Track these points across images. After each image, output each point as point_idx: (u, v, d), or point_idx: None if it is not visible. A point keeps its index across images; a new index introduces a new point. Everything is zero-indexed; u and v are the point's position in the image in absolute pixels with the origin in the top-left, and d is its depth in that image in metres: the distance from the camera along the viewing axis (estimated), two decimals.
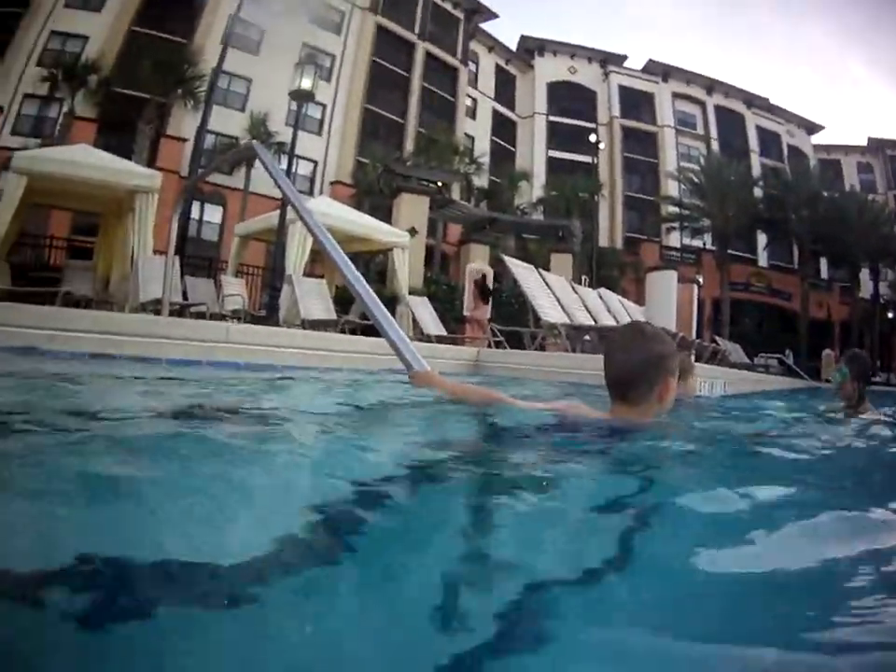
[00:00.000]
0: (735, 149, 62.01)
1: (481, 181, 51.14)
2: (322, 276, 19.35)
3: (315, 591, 1.37)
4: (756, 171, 60.69)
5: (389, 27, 52.90)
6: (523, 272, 15.46)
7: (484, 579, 1.49)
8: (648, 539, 1.81)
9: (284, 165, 23.08)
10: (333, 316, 16.20)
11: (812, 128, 71.71)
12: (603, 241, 54.90)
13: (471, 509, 2.05)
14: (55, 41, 39.41)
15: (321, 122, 47.58)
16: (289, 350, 9.21)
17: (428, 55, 55.33)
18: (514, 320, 20.01)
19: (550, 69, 65.87)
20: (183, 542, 1.55)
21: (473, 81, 60.61)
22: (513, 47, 65.96)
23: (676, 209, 55.94)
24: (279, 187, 5.71)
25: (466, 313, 24.63)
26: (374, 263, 24.11)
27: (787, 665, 1.14)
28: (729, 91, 67.92)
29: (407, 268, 20.17)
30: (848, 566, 1.60)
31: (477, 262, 27.75)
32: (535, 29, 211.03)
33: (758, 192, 55.99)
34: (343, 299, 18.52)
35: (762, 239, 59.01)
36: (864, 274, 54.94)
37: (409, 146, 49.96)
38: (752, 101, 68.29)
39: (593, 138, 48.25)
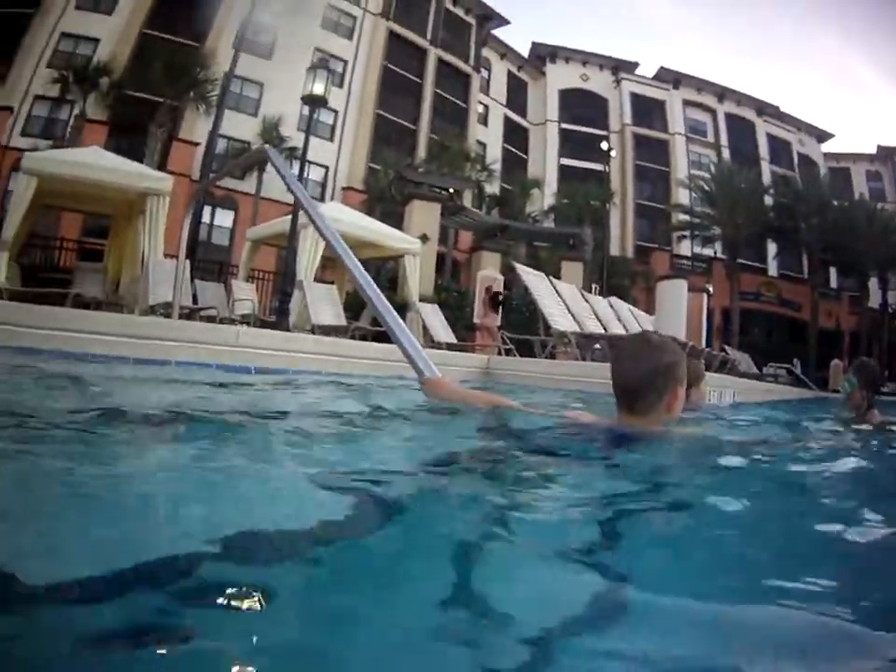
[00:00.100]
0: (745, 157, 61.87)
1: (492, 188, 51.13)
2: (333, 282, 19.37)
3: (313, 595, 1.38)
4: (766, 179, 60.55)
5: (401, 33, 52.94)
6: (534, 279, 15.46)
7: (488, 583, 1.48)
8: (653, 547, 1.80)
9: (296, 170, 23.10)
10: (343, 322, 16.19)
11: (822, 136, 71.59)
12: (614, 249, 54.90)
13: (479, 513, 2.04)
14: (66, 43, 39.52)
15: (333, 128, 47.61)
16: (300, 355, 9.20)
17: (440, 61, 55.37)
18: (525, 328, 19.95)
19: (562, 76, 65.86)
20: (176, 545, 1.56)
21: (485, 88, 60.65)
22: (525, 53, 65.93)
23: (686, 217, 55.76)
24: (291, 191, 5.69)
25: (476, 320, 24.58)
26: (385, 270, 24.10)
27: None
28: (740, 98, 67.82)
29: (418, 275, 20.15)
30: (854, 572, 1.64)
31: (488, 270, 27.70)
32: (546, 36, 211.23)
33: (768, 201, 55.85)
34: (354, 305, 18.54)
35: (772, 248, 58.83)
36: (873, 284, 54.70)
37: (421, 152, 49.99)
38: (763, 109, 68.20)
39: (604, 146, 48.33)
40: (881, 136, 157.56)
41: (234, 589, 1.26)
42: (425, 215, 26.89)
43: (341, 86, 46.64)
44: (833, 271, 59.31)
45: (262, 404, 5.59)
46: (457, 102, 56.52)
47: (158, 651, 1.10)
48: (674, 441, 3.19)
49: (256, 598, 1.23)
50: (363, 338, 15.06)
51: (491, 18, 59.33)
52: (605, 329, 16.14)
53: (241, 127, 40.68)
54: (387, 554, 1.62)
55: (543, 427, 3.38)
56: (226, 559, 1.48)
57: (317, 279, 18.42)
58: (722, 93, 67.42)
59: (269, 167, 34.10)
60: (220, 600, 1.23)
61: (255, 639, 1.15)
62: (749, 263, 56.61)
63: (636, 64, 67.41)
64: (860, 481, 2.78)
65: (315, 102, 17.20)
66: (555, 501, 2.23)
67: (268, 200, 37.73)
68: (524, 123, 64.95)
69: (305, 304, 16.14)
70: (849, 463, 3.13)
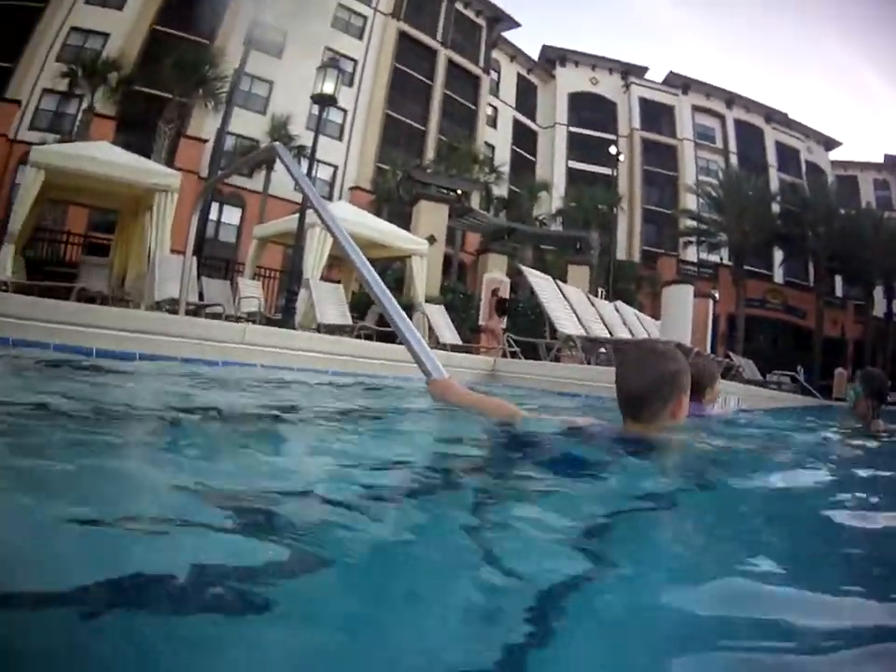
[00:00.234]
0: (753, 164, 61.87)
1: (500, 190, 51.13)
2: (339, 281, 19.36)
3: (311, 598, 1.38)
4: (774, 186, 60.63)
5: (412, 33, 53.01)
6: (540, 282, 15.46)
7: (492, 587, 1.48)
8: (657, 553, 1.79)
9: (304, 169, 23.07)
10: (349, 322, 16.18)
11: (830, 144, 71.59)
12: (620, 254, 55.01)
13: (482, 518, 2.05)
14: (75, 37, 39.58)
15: (342, 127, 47.66)
16: (305, 353, 9.19)
17: (450, 62, 55.41)
18: (530, 331, 19.94)
19: (571, 79, 65.90)
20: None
21: (495, 90, 60.72)
22: (535, 56, 65.95)
23: (694, 223, 55.77)
24: (301, 189, 5.68)
25: (481, 322, 24.58)
26: (392, 270, 24.08)
27: None
28: (748, 105, 67.85)
29: (424, 276, 20.16)
30: (857, 577, 1.63)
31: (495, 272, 27.70)
32: (556, 39, 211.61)
33: (775, 208, 55.88)
34: (360, 304, 18.53)
35: (778, 255, 58.81)
36: (879, 293, 54.75)
37: (429, 153, 50.10)
38: (771, 115, 68.22)
39: (613, 150, 48.29)
40: (889, 145, 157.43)
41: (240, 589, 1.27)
42: (432, 216, 26.88)
43: (350, 85, 46.65)
44: (838, 279, 59.31)
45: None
46: (467, 103, 56.57)
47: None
48: (678, 447, 3.19)
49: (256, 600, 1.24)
50: (368, 337, 15.07)
51: (501, 20, 59.36)
52: (610, 333, 16.14)
53: (249, 125, 40.76)
54: (390, 557, 1.64)
55: (548, 433, 3.37)
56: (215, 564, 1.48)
57: (324, 278, 18.43)
58: (731, 99, 67.44)
59: (277, 165, 34.18)
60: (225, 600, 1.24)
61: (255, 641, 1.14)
62: (756, 270, 56.54)
63: (645, 69, 67.50)
64: (865, 489, 2.78)
65: (324, 101, 17.19)
66: (558, 507, 2.23)
67: (275, 198, 37.82)
68: (532, 126, 65.02)
69: (311, 303, 16.14)
70: (854, 472, 3.13)
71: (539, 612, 1.34)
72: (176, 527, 1.68)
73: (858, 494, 2.63)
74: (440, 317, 18.83)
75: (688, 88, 66.64)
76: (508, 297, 25.55)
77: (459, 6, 56.48)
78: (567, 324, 14.28)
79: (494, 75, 60.78)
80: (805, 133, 69.83)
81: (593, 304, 17.25)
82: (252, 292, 17.99)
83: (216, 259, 28.02)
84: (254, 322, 14.68)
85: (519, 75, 64.57)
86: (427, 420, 4.74)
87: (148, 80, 37.62)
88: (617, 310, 19.06)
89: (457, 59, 55.93)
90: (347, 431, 4.06)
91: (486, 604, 1.39)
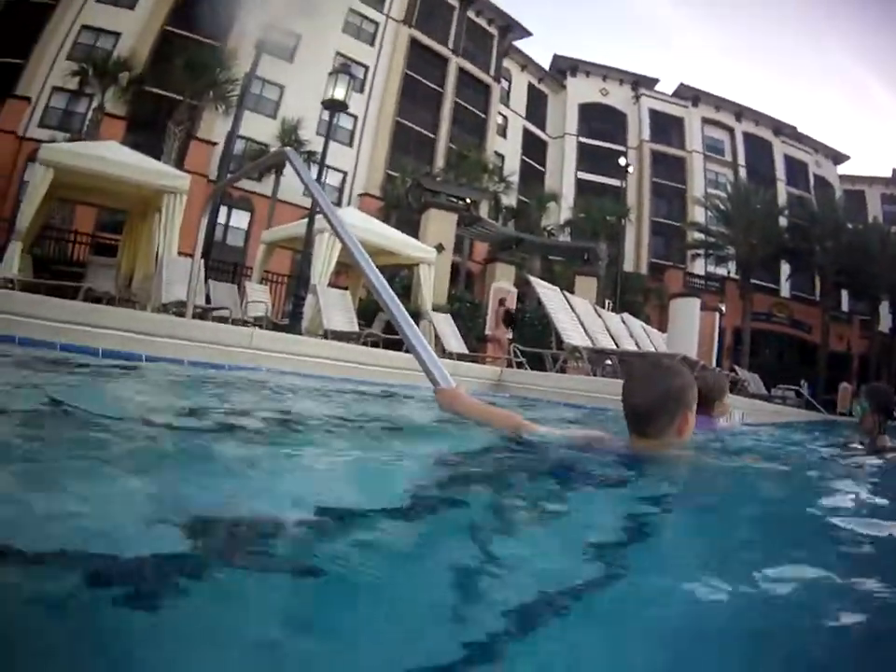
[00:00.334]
0: (762, 177, 61.91)
1: (509, 200, 51.17)
2: (346, 288, 19.39)
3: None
4: (782, 200, 60.64)
5: (423, 41, 53.06)
6: (547, 293, 15.46)
7: (496, 600, 1.49)
8: (662, 570, 1.78)
9: (314, 174, 23.07)
10: (356, 328, 16.21)
11: (838, 158, 71.69)
12: (628, 265, 55.01)
13: (487, 529, 2.06)
14: (86, 36, 39.58)
15: (352, 133, 47.69)
16: (312, 359, 9.19)
17: (461, 71, 55.46)
18: (536, 341, 19.95)
19: (582, 90, 66.00)
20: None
21: (505, 99, 60.78)
22: (546, 66, 66.01)
23: (701, 236, 55.78)
24: (311, 195, 5.67)
25: (487, 332, 24.60)
26: (399, 277, 24.10)
27: None
28: (758, 118, 67.91)
29: (432, 284, 20.20)
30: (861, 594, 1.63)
31: (502, 282, 27.76)
32: (566, 47, 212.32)
33: (783, 222, 55.97)
34: (367, 311, 18.55)
35: (785, 269, 58.85)
36: (885, 308, 54.75)
37: (439, 161, 50.25)
38: (780, 129, 68.28)
39: (622, 161, 48.29)
40: None
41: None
42: (441, 224, 26.94)
43: (361, 91, 46.67)
44: (844, 293, 59.34)
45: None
46: (477, 112, 56.63)
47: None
48: (683, 463, 3.18)
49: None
50: (375, 345, 15.08)
51: (513, 28, 59.44)
52: (617, 344, 16.14)
53: (259, 128, 40.81)
54: (394, 571, 1.62)
55: (555, 445, 3.36)
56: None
57: (331, 284, 18.44)
58: (741, 112, 67.49)
59: (286, 170, 34.27)
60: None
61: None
62: (762, 284, 56.64)
63: (655, 80, 67.58)
64: (872, 506, 2.76)
65: (335, 107, 17.24)
66: (563, 519, 2.27)
67: (284, 202, 37.89)
68: (542, 136, 65.09)
69: (318, 309, 16.17)
70: (861, 487, 3.11)
71: (533, 624, 1.35)
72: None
73: (861, 509, 2.62)
74: (446, 326, 18.85)
75: (698, 100, 66.71)
76: (515, 307, 25.57)
77: (471, 14, 56.57)
78: (573, 335, 14.27)
79: (504, 84, 60.86)
80: (813, 146, 69.95)
81: (599, 316, 17.26)
82: (259, 297, 18.02)
83: (223, 263, 28.01)
84: (261, 327, 14.69)
85: (530, 84, 64.65)
86: (433, 430, 4.73)
87: (159, 81, 37.71)
88: (624, 322, 19.06)
89: (468, 67, 56.00)
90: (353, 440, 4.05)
91: (482, 615, 1.39)
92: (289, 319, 15.83)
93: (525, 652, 1.26)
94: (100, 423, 3.12)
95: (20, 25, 36.80)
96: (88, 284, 15.41)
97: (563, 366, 14.63)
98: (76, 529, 1.62)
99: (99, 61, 36.77)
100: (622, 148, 61.34)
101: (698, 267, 59.47)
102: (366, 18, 50.38)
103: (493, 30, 58.52)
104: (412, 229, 26.28)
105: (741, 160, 65.92)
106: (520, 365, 16.22)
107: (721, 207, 54.24)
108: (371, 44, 50.37)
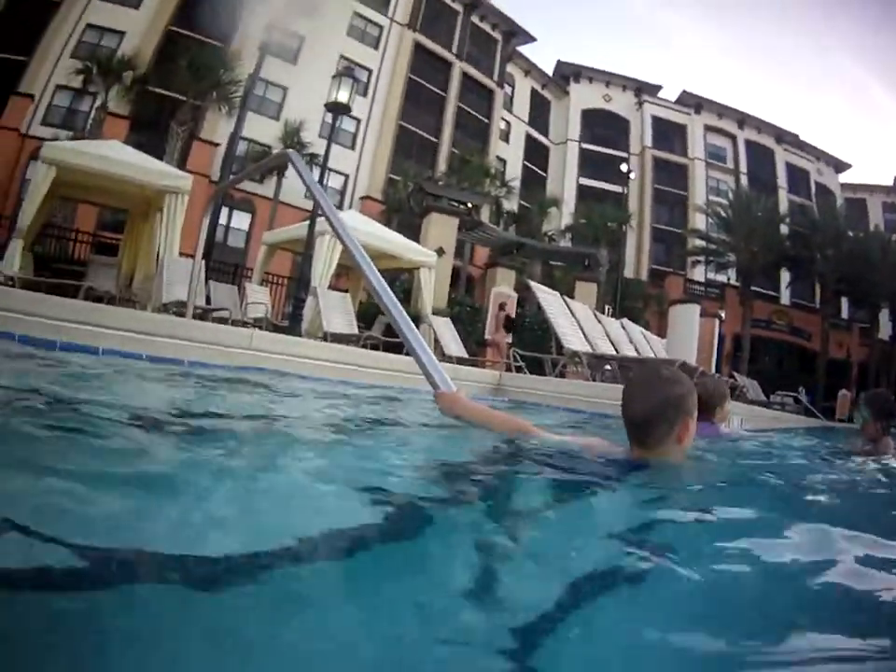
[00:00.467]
0: (763, 185, 61.97)
1: (510, 205, 51.10)
2: (347, 290, 19.39)
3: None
4: (784, 207, 60.74)
5: (427, 45, 53.07)
6: (548, 298, 15.44)
7: (495, 604, 1.50)
8: (661, 579, 1.78)
9: (315, 177, 23.06)
10: (356, 331, 16.21)
11: (840, 166, 71.71)
12: (628, 271, 55.06)
13: (486, 534, 2.05)
14: (91, 34, 39.55)
15: (355, 136, 47.69)
16: (311, 361, 9.18)
17: (465, 75, 55.46)
18: (536, 346, 19.93)
19: (585, 96, 66.02)
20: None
21: (508, 104, 60.78)
22: (549, 71, 66.02)
23: (702, 243, 55.85)
24: (313, 197, 5.67)
25: (487, 336, 24.58)
26: (400, 281, 24.10)
27: None
28: (760, 125, 67.93)
29: (432, 288, 20.20)
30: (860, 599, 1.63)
31: (502, 286, 27.73)
32: (568, 52, 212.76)
33: (784, 229, 56.05)
34: (367, 314, 18.54)
35: (785, 276, 58.86)
36: (884, 315, 54.84)
37: (441, 165, 50.16)
38: (782, 136, 68.31)
39: (624, 168, 48.31)
40: None
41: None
42: (442, 228, 26.93)
43: (364, 95, 46.71)
44: (844, 301, 59.39)
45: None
46: (480, 117, 56.62)
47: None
48: (683, 472, 3.19)
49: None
50: (374, 347, 15.07)
51: (517, 34, 59.42)
52: (616, 350, 16.12)
53: (262, 130, 40.84)
54: (393, 572, 1.62)
55: (556, 451, 3.36)
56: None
57: (332, 287, 18.45)
58: (743, 120, 67.52)
59: (288, 172, 34.25)
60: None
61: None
62: (762, 291, 56.67)
63: (658, 87, 67.61)
64: (875, 511, 2.76)
65: (338, 109, 17.25)
66: (562, 526, 2.27)
67: (286, 204, 37.93)
68: (545, 141, 65.10)
69: (318, 311, 16.16)
70: (864, 493, 3.11)
71: (526, 633, 1.34)
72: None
73: (862, 517, 2.61)
74: (446, 330, 18.84)
75: (700, 107, 66.73)
76: (515, 312, 25.57)
77: (475, 18, 56.58)
78: (573, 340, 14.26)
79: (508, 89, 60.88)
80: (815, 154, 69.95)
81: (599, 321, 17.24)
82: (259, 298, 18.02)
83: (224, 264, 27.99)
84: (260, 328, 14.69)
85: (533, 90, 64.70)
86: (430, 434, 4.73)
87: (163, 81, 37.64)
88: (623, 327, 19.03)
89: (472, 72, 56.00)
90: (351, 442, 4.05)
91: (479, 625, 1.38)
92: (289, 321, 15.84)
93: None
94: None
95: (24, 22, 36.78)
96: (88, 283, 15.39)
97: (562, 371, 14.61)
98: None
99: (103, 59, 36.73)
100: (624, 155, 61.24)
101: (698, 274, 59.43)
102: (370, 21, 50.40)
103: (497, 35, 58.52)
104: (413, 232, 26.27)
105: (743, 167, 65.93)
106: (519, 369, 16.21)
107: (723, 214, 54.28)
108: (375, 47, 50.39)
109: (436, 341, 18.10)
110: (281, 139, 41.08)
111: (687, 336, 18.29)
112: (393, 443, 4.16)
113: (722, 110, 67.49)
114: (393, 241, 19.66)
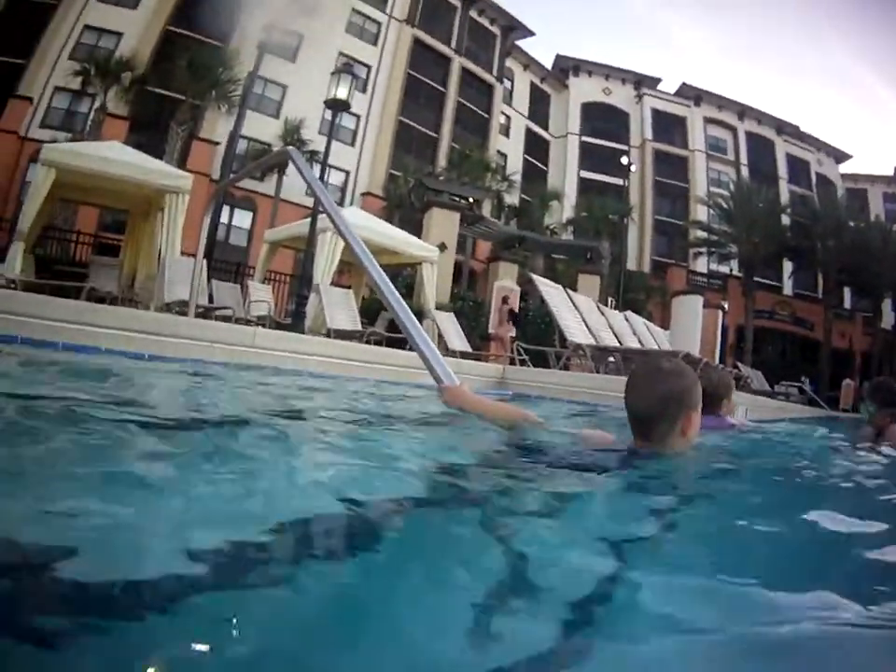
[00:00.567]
0: (764, 176, 61.99)
1: (512, 199, 51.05)
2: (349, 287, 19.38)
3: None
4: (784, 198, 60.71)
5: (426, 41, 53.02)
6: (551, 291, 15.44)
7: (498, 598, 1.48)
8: (662, 572, 1.77)
9: (316, 174, 23.06)
10: (359, 327, 16.21)
11: (840, 156, 71.71)
12: (631, 264, 55.03)
13: (489, 527, 2.05)
14: (89, 35, 39.53)
15: (355, 133, 47.66)
16: (315, 358, 9.18)
17: (464, 70, 55.40)
18: (540, 339, 19.93)
19: (584, 89, 66.01)
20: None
21: (508, 98, 60.74)
22: (549, 65, 65.96)
23: (704, 234, 55.80)
24: (314, 193, 5.67)
25: (491, 330, 24.56)
26: (402, 277, 24.07)
27: None
28: (760, 117, 67.94)
29: (435, 283, 20.17)
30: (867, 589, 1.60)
31: (505, 280, 27.68)
32: (568, 47, 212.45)
33: (785, 220, 56.05)
34: (370, 310, 18.53)
35: (787, 267, 58.86)
36: (887, 305, 54.92)
37: (442, 160, 50.14)
38: (783, 128, 68.29)
39: (625, 161, 48.36)
40: None
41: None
42: (444, 223, 26.88)
43: (364, 91, 46.73)
44: (847, 291, 59.36)
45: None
46: (480, 112, 56.56)
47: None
48: (687, 466, 3.17)
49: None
50: (378, 343, 15.08)
51: (515, 28, 59.36)
52: (620, 342, 16.12)
53: (262, 128, 40.80)
54: (394, 572, 1.60)
55: (559, 444, 3.36)
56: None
57: (334, 283, 18.44)
58: (743, 111, 67.51)
59: (289, 170, 34.25)
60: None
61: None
62: (765, 281, 56.61)
63: (658, 80, 67.56)
64: (883, 500, 2.75)
65: (338, 106, 17.21)
66: (565, 519, 2.25)
67: (287, 202, 37.91)
68: (545, 135, 65.07)
69: (321, 308, 16.16)
70: (873, 483, 3.10)
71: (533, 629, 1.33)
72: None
73: (865, 507, 2.60)
74: (449, 324, 18.83)
75: (700, 99, 66.69)
76: (518, 305, 25.53)
77: (474, 13, 56.54)
78: (576, 332, 14.26)
79: (507, 83, 60.83)
80: (815, 145, 69.93)
81: (602, 314, 17.24)
82: (262, 296, 17.99)
83: (226, 263, 27.98)
84: (264, 326, 14.68)
85: (532, 84, 64.66)
86: (434, 427, 4.72)
87: (161, 81, 37.57)
88: (626, 319, 19.04)
89: (471, 67, 55.93)
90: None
91: (479, 619, 1.37)
92: (292, 318, 15.82)
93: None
94: None
95: (21, 25, 36.77)
96: (90, 284, 15.37)
97: (566, 363, 14.60)
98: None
99: (101, 60, 36.62)
100: (624, 147, 61.37)
101: (701, 265, 59.48)
102: (369, 18, 50.39)
103: (495, 29, 58.49)
104: (414, 228, 26.23)
105: (743, 158, 65.93)
106: (523, 363, 16.21)
107: (724, 206, 54.27)
108: (374, 43, 50.37)
109: (439, 336, 18.10)
110: (281, 137, 41.01)
111: (690, 327, 18.28)
112: (393, 440, 4.16)
113: (722, 102, 67.45)
114: (395, 236, 19.66)
